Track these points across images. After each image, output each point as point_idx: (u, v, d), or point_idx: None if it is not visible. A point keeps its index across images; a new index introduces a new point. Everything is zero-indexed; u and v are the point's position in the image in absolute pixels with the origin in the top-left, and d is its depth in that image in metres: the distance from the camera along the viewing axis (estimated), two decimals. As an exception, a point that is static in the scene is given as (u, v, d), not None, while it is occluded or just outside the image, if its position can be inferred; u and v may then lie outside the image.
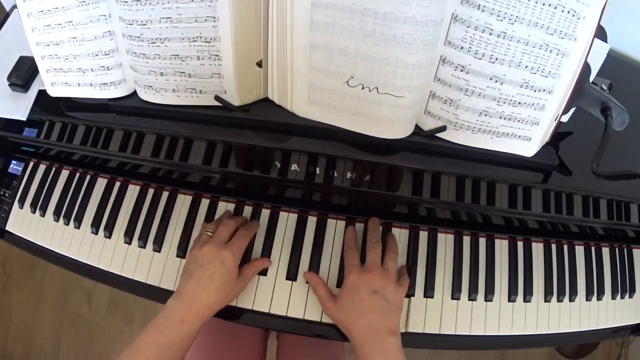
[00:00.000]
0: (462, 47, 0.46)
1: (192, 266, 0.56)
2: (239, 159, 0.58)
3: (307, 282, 0.61)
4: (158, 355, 0.50)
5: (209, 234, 0.59)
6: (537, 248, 0.67)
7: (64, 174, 0.72)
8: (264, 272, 0.63)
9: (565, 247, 0.68)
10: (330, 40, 0.47)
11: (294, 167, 0.57)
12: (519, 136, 0.52)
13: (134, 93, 0.58)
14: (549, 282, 0.65)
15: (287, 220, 0.65)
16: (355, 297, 0.55)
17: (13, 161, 0.75)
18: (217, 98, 0.55)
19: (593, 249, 0.70)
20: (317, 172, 0.57)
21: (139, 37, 0.51)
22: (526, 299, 0.64)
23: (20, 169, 0.74)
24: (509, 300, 0.64)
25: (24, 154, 0.75)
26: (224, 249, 0.55)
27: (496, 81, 0.47)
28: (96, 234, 0.68)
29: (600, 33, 0.61)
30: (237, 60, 0.52)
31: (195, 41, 0.51)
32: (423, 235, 0.65)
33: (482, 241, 0.66)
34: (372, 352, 0.53)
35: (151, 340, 0.51)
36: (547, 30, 0.44)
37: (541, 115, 0.50)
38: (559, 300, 0.65)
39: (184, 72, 0.53)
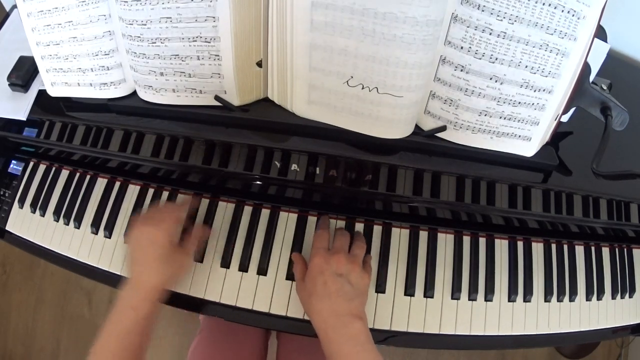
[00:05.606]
0: (462, 47, 0.46)
1: (129, 251, 0.56)
2: (238, 159, 0.58)
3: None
4: (118, 345, 0.52)
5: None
6: (537, 248, 0.67)
7: (64, 174, 0.72)
8: (263, 273, 0.63)
9: (565, 247, 0.68)
10: (330, 40, 0.47)
11: (294, 167, 0.57)
12: (519, 136, 0.52)
13: (134, 93, 0.58)
14: (549, 282, 0.65)
15: (287, 220, 0.65)
16: (318, 279, 0.53)
17: (13, 161, 0.75)
18: (217, 98, 0.55)
19: (593, 249, 0.70)
20: (317, 172, 0.57)
21: (139, 37, 0.51)
22: (526, 299, 0.64)
23: (20, 169, 0.74)
24: (509, 300, 0.64)
25: (24, 154, 0.75)
26: (147, 225, 0.56)
27: (496, 81, 0.47)
28: (96, 234, 0.68)
29: (600, 33, 0.61)
30: (237, 60, 0.52)
31: (195, 41, 0.51)
32: (423, 235, 0.65)
33: (482, 241, 0.66)
34: (336, 336, 0.51)
35: (111, 332, 0.52)
36: (547, 30, 0.44)
37: (541, 115, 0.50)
38: (559, 300, 0.65)
39: (184, 72, 0.53)
